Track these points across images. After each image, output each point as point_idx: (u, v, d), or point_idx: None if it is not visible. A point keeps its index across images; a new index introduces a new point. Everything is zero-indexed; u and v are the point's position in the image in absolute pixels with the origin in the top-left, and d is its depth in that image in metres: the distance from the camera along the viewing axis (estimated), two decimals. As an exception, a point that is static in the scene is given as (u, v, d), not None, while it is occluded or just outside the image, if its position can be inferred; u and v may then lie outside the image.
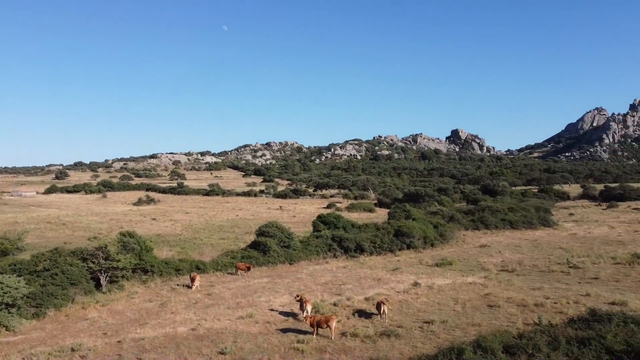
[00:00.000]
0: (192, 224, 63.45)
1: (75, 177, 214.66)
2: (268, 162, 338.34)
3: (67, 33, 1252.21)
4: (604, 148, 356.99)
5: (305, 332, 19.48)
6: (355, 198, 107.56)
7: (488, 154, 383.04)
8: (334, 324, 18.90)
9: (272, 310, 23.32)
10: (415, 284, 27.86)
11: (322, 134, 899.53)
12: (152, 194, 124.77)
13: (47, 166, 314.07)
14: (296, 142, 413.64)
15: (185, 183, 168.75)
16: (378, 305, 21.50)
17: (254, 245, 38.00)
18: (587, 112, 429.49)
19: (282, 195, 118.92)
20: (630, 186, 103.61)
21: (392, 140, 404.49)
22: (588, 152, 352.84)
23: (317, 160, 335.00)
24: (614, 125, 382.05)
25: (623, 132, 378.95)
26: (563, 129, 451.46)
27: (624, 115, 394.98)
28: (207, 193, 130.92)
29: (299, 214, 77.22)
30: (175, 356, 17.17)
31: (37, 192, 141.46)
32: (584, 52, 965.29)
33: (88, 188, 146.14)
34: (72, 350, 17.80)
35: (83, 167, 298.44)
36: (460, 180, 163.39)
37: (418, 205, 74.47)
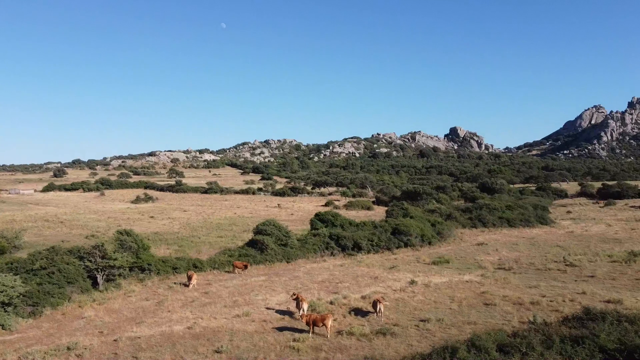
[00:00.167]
0: (190, 222, 63.44)
1: (73, 175, 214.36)
2: (266, 159, 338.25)
3: (65, 30, 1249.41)
4: (602, 146, 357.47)
5: (301, 331, 19.52)
6: (354, 196, 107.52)
7: (486, 151, 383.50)
8: (329, 322, 18.94)
9: (268, 308, 23.35)
10: (412, 282, 27.91)
11: (321, 132, 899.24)
12: (150, 192, 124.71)
13: (45, 164, 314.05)
14: (295, 140, 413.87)
15: (184, 181, 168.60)
16: (374, 304, 21.54)
17: (252, 243, 38.03)
18: (586, 110, 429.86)
19: (280, 193, 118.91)
20: (628, 184, 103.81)
21: (390, 138, 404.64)
22: (586, 150, 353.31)
23: (316, 158, 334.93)
24: (612, 123, 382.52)
25: (621, 130, 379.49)
26: (561, 126, 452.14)
27: (623, 113, 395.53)
28: (205, 191, 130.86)
29: (297, 211, 77.23)
30: (171, 355, 17.20)
31: (35, 190, 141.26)
32: (583, 49, 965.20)
33: (86, 186, 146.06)
34: (68, 349, 17.81)
35: (81, 165, 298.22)
36: (458, 178, 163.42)
37: (416, 203, 74.53)
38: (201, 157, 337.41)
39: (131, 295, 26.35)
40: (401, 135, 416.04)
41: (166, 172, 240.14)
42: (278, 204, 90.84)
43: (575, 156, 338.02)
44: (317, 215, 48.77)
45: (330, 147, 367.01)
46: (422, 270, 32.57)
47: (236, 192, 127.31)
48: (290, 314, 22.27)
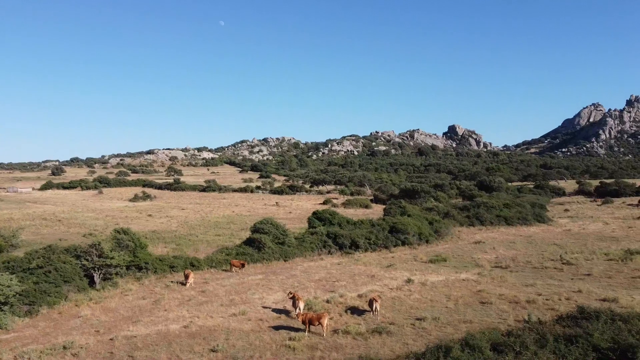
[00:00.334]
0: (188, 220, 63.40)
1: (71, 173, 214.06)
2: (265, 158, 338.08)
3: (63, 27, 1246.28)
4: (601, 144, 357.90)
5: (297, 330, 19.55)
6: (352, 194, 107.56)
7: (485, 149, 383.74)
8: (325, 321, 18.97)
9: (265, 307, 23.37)
10: (409, 281, 27.95)
11: (320, 130, 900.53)
12: (148, 190, 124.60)
13: (43, 162, 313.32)
14: (293, 138, 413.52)
15: (182, 179, 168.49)
16: (370, 302, 21.58)
17: (249, 242, 38.02)
18: (584, 108, 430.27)
19: (278, 192, 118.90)
20: (626, 182, 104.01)
21: (389, 136, 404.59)
22: (584, 148, 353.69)
23: (314, 156, 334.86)
24: (610, 121, 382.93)
25: (619, 128, 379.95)
26: (560, 124, 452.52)
27: (621, 111, 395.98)
28: (203, 189, 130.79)
29: (295, 210, 77.25)
30: (166, 354, 17.22)
31: (33, 188, 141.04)
32: (582, 47, 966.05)
33: (84, 184, 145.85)
34: (64, 348, 17.81)
35: (79, 163, 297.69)
36: (456, 176, 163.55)
37: (414, 201, 74.64)
38: (200, 155, 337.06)
39: (128, 294, 26.35)
40: (400, 133, 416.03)
41: (164, 171, 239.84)
42: (276, 202, 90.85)
43: (574, 154, 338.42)
44: (314, 213, 48.76)
45: (329, 145, 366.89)
46: (419, 268, 32.62)
47: (234, 191, 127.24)
48: (286, 312, 22.30)
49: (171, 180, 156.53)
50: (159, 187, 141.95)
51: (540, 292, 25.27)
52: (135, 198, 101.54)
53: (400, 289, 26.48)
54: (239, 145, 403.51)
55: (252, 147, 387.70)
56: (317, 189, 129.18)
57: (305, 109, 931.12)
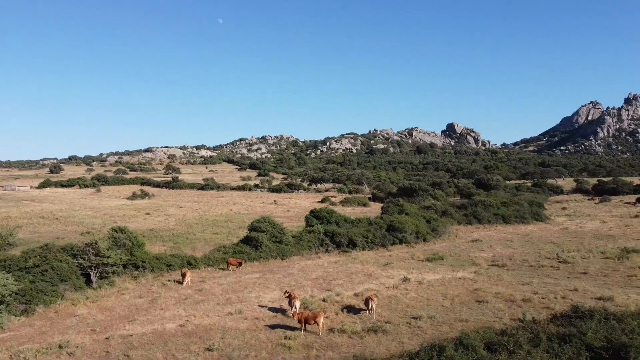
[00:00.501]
0: (186, 218, 63.37)
1: (69, 171, 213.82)
2: (263, 155, 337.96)
3: (61, 25, 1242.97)
4: (599, 142, 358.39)
5: (293, 328, 19.58)
6: (350, 192, 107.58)
7: (483, 147, 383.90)
8: (321, 320, 19.00)
9: (261, 306, 23.39)
10: (405, 279, 27.98)
11: (318, 128, 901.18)
12: (146, 188, 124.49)
13: (42, 160, 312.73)
14: (292, 136, 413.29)
15: (180, 177, 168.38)
16: (366, 301, 21.61)
17: (246, 240, 38.03)
18: (582, 106, 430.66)
19: (276, 190, 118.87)
20: (623, 180, 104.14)
21: (387, 134, 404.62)
22: (583, 146, 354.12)
23: (313, 154, 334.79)
24: (608, 119, 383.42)
25: (618, 126, 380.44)
26: (558, 122, 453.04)
27: (619, 109, 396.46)
28: (201, 187, 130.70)
29: (293, 208, 77.26)
30: (162, 353, 17.24)
31: (31, 187, 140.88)
32: (580, 45, 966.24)
33: (82, 182, 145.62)
34: (60, 347, 17.82)
35: (77, 161, 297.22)
36: (455, 174, 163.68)
37: (412, 200, 74.67)
38: (198, 153, 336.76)
39: (125, 293, 26.35)
40: (398, 131, 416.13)
41: (163, 169, 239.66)
42: (274, 201, 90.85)
43: (572, 152, 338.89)
44: (312, 212, 48.76)
45: (327, 143, 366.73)
46: (416, 267, 32.67)
47: (232, 189, 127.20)
48: (283, 311, 22.32)
49: (169, 179, 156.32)
50: (157, 185, 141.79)
51: (536, 290, 25.32)
52: (134, 196, 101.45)
53: (396, 287, 26.52)
54: (238, 143, 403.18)
55: (251, 145, 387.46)
56: (315, 187, 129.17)
57: (303, 107, 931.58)
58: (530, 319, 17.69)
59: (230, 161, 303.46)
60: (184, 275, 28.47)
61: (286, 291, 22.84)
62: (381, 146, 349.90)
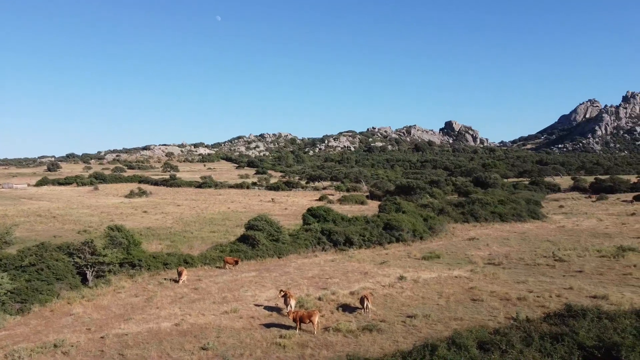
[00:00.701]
0: (183, 216, 63.37)
1: (67, 169, 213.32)
2: (262, 153, 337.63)
3: (59, 23, 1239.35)
4: (597, 140, 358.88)
5: (288, 327, 19.60)
6: (348, 190, 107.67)
7: (481, 145, 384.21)
8: (316, 319, 19.02)
9: (257, 305, 23.40)
10: (401, 278, 28.02)
11: (317, 126, 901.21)
12: (144, 186, 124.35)
13: (39, 158, 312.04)
14: (290, 134, 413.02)
15: (178, 175, 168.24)
16: (362, 300, 21.63)
17: (243, 238, 38.04)
18: (580, 104, 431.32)
19: (274, 188, 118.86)
20: (620, 178, 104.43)
21: (385, 132, 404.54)
22: (581, 144, 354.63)
23: (311, 152, 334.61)
24: (606, 117, 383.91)
25: (615, 124, 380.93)
26: (556, 120, 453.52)
27: (617, 107, 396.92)
28: (199, 185, 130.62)
29: (291, 206, 77.29)
30: (157, 352, 17.24)
31: (29, 185, 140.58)
32: (578, 43, 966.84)
33: (80, 180, 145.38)
34: (55, 346, 17.81)
35: (75, 159, 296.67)
36: (453, 172, 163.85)
37: (409, 198, 74.78)
38: (196, 151, 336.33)
39: (121, 292, 26.35)
40: (396, 129, 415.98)
41: (161, 166, 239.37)
42: (272, 199, 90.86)
43: (570, 150, 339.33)
44: (309, 210, 48.79)
45: (326, 141, 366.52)
46: (413, 265, 32.70)
47: (230, 187, 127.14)
48: (278, 310, 22.34)
49: (167, 177, 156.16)
50: (155, 183, 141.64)
51: (531, 289, 25.36)
52: (131, 194, 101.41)
53: (392, 286, 26.55)
54: (236, 141, 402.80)
55: (249, 143, 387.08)
56: (313, 185, 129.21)
57: (302, 105, 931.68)
58: (524, 317, 17.71)
59: (228, 159, 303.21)
60: (180, 274, 28.47)
61: (281, 290, 22.85)
62: (379, 144, 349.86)
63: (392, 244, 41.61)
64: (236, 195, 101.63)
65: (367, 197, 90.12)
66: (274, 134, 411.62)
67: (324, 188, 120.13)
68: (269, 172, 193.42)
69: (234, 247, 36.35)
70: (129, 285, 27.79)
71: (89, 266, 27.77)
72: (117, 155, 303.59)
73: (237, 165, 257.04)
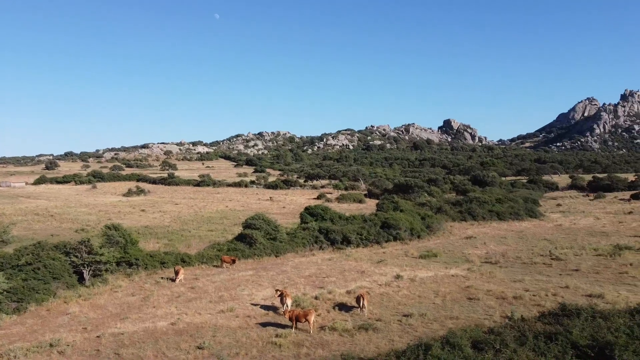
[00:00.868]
0: (181, 215, 63.35)
1: (65, 168, 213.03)
2: (260, 152, 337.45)
3: (56, 21, 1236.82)
4: (595, 138, 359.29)
5: (284, 326, 19.62)
6: (346, 189, 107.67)
7: (480, 144, 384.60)
8: (312, 318, 19.05)
9: (253, 304, 23.42)
10: (398, 277, 28.06)
11: (315, 124, 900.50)
12: (142, 185, 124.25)
13: (37, 156, 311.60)
14: (288, 132, 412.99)
15: (177, 173, 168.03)
16: (358, 299, 21.66)
17: (240, 237, 38.05)
18: (579, 102, 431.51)
19: (272, 186, 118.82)
20: (618, 177, 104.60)
21: (384, 130, 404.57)
22: (579, 142, 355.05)
23: (310, 151, 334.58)
24: (604, 115, 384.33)
25: (614, 122, 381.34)
26: (555, 119, 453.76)
27: (615, 106, 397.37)
28: (197, 184, 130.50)
29: (289, 204, 77.28)
30: (153, 351, 17.25)
31: (27, 183, 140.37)
32: (577, 42, 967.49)
33: (78, 179, 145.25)
34: (51, 345, 17.82)
35: (73, 157, 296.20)
36: (451, 170, 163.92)
37: (407, 196, 74.81)
38: (194, 150, 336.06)
39: (117, 291, 26.35)
40: (395, 128, 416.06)
41: (159, 165, 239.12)
42: (270, 197, 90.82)
43: (568, 148, 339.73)
44: (307, 209, 48.79)
45: (324, 140, 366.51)
46: (410, 264, 32.73)
47: (228, 185, 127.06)
48: (274, 309, 22.36)
49: (165, 175, 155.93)
50: (153, 181, 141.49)
51: (528, 287, 25.43)
52: (129, 193, 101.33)
53: (389, 285, 26.58)
54: (234, 139, 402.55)
55: (247, 141, 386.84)
56: (311, 184, 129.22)
57: (301, 103, 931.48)
58: (519, 317, 17.75)
59: (226, 157, 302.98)
60: (177, 273, 28.49)
61: (277, 289, 22.88)
62: (378, 142, 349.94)
63: (389, 242, 41.64)
64: (234, 194, 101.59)
65: (365, 195, 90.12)
66: (273, 133, 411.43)
67: (322, 186, 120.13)
68: (268, 170, 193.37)
69: (231, 246, 36.36)
70: (126, 284, 27.79)
71: (85, 265, 27.74)
72: (115, 154, 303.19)
73: (235, 163, 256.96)
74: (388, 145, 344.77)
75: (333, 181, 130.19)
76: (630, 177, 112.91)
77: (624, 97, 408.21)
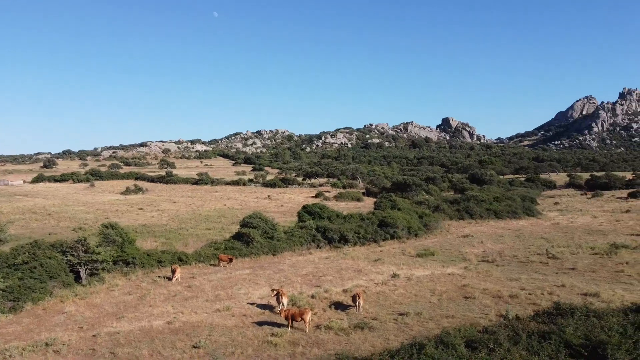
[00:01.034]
0: (179, 213, 63.31)
1: (63, 166, 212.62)
2: (259, 150, 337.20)
3: (54, 19, 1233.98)
4: (593, 136, 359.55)
5: (280, 325, 19.65)
6: (344, 187, 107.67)
7: (478, 142, 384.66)
8: (308, 317, 19.08)
9: (250, 303, 23.44)
10: (394, 276, 28.10)
11: (314, 122, 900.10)
12: (140, 183, 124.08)
13: (35, 154, 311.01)
14: (287, 131, 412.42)
15: (175, 172, 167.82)
16: (354, 298, 21.71)
17: (238, 236, 38.04)
18: (577, 101, 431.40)
19: (271, 185, 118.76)
20: (615, 175, 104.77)
21: (383, 128, 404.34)
22: (577, 141, 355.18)
23: (308, 149, 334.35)
24: (603, 113, 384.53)
25: (612, 121, 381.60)
26: (553, 117, 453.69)
27: (613, 104, 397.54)
28: (195, 182, 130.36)
29: (287, 203, 77.29)
30: (148, 350, 17.27)
31: (25, 181, 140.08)
32: (575, 40, 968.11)
33: (76, 177, 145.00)
34: (47, 344, 17.83)
35: (72, 156, 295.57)
36: (449, 169, 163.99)
37: (405, 195, 74.80)
38: (193, 148, 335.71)
39: (114, 290, 26.35)
40: (393, 126, 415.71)
41: (157, 163, 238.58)
42: (268, 196, 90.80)
43: (567, 147, 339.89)
44: (304, 207, 48.81)
45: (323, 138, 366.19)
46: (406, 262, 32.78)
47: (227, 183, 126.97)
48: (271, 308, 22.38)
49: (163, 173, 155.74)
50: (151, 180, 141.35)
51: (524, 286, 25.50)
52: (127, 191, 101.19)
53: (385, 283, 26.63)
54: (233, 137, 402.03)
55: (246, 139, 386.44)
56: (309, 182, 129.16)
57: (299, 101, 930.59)
58: (514, 316, 17.81)
59: (225, 156, 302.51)
60: (173, 272, 28.50)
61: (273, 289, 22.91)
62: (376, 141, 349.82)
63: (387, 241, 41.68)
64: (232, 192, 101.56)
65: (363, 194, 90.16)
66: (271, 131, 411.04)
67: (321, 185, 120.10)
68: (266, 168, 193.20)
69: (228, 245, 36.35)
70: (123, 283, 27.78)
71: (82, 264, 27.73)
72: (113, 152, 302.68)
73: (233, 162, 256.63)
74: (386, 144, 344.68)
75: (331, 179, 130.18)
76: (628, 175, 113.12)
77: (622, 96, 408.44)
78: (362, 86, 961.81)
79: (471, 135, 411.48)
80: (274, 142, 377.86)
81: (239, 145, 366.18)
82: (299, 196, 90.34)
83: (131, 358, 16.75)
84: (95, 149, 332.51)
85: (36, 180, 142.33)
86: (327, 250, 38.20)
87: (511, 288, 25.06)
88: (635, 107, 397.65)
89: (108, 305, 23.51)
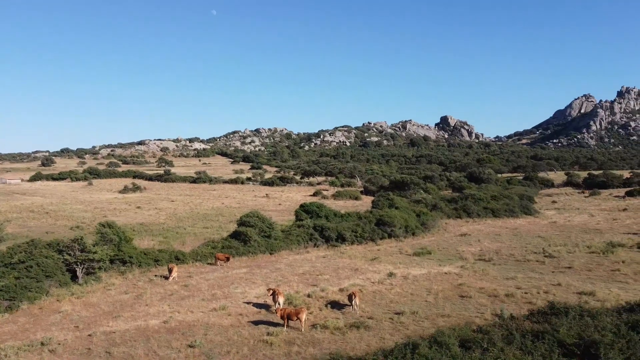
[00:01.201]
0: (177, 212, 63.25)
1: (61, 164, 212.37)
2: (257, 148, 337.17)
3: (52, 17, 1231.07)
4: (591, 135, 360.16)
5: (276, 325, 19.67)
6: (342, 185, 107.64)
7: (477, 140, 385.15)
8: (304, 316, 19.11)
9: (246, 302, 23.45)
10: (391, 275, 28.13)
11: (312, 121, 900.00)
12: (138, 182, 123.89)
13: (33, 153, 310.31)
14: (285, 129, 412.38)
15: (173, 170, 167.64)
16: (350, 297, 21.73)
17: (235, 235, 38.05)
18: (575, 99, 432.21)
19: (269, 183, 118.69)
20: (613, 174, 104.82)
21: (381, 126, 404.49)
22: (575, 139, 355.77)
23: (307, 147, 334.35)
24: (601, 112, 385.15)
25: (610, 119, 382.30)
26: (551, 115, 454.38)
27: (612, 102, 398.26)
28: (194, 180, 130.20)
29: (285, 201, 77.29)
30: (144, 350, 17.28)
31: (22, 180, 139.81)
32: (574, 39, 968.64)
33: (74, 175, 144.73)
34: (42, 344, 17.82)
35: (70, 154, 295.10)
36: (447, 167, 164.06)
37: (403, 193, 74.80)
38: (191, 146, 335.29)
39: (111, 289, 26.33)
40: (392, 124, 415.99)
41: (155, 161, 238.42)
42: (266, 194, 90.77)
43: (565, 145, 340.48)
44: (302, 206, 48.81)
45: (321, 136, 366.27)
46: (403, 261, 32.82)
47: (225, 182, 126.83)
48: (267, 307, 22.40)
49: (162, 172, 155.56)
50: (149, 178, 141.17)
51: (520, 285, 25.56)
52: (125, 190, 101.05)
53: (382, 282, 26.66)
54: (231, 136, 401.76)
55: (244, 137, 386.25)
56: (307, 181, 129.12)
57: (298, 99, 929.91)
58: (509, 315, 17.85)
59: (223, 154, 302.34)
60: (170, 271, 28.48)
61: (270, 288, 22.93)
62: (375, 139, 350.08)
63: (384, 240, 41.71)
64: (230, 191, 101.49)
65: (361, 192, 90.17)
66: (270, 129, 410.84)
67: (319, 183, 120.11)
68: (264, 167, 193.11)
69: (225, 244, 36.36)
70: (119, 282, 27.76)
71: (78, 263, 27.72)
72: (111, 150, 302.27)
73: (232, 160, 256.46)
74: (385, 142, 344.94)
75: (329, 178, 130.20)
76: (626, 174, 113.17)
77: (620, 94, 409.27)
78: (361, 84, 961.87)
79: (470, 133, 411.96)
80: (272, 140, 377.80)
81: (238, 143, 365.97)
82: (297, 195, 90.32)
83: (127, 357, 16.77)
84: (94, 147, 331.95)
85: (34, 178, 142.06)
86: (325, 249, 38.22)
87: (507, 287, 25.12)
88: (634, 106, 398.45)
89: (104, 304, 23.50)
